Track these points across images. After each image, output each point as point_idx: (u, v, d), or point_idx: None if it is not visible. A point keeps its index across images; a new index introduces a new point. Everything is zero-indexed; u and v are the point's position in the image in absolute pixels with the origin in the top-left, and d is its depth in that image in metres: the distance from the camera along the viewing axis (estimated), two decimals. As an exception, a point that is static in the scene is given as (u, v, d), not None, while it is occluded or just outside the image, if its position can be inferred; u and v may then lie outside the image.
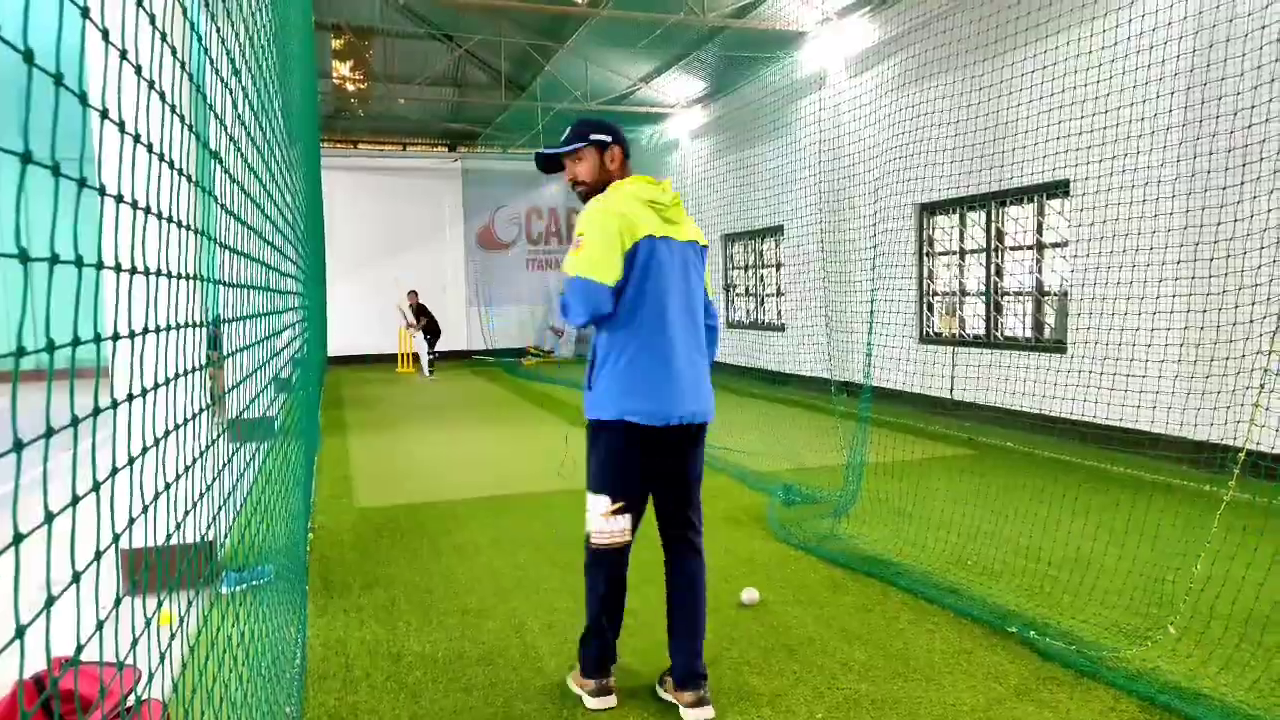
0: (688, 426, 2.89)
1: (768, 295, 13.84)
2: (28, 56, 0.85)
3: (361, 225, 18.68)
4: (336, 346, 17.35)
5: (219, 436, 1.98)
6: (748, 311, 14.49)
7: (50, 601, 0.96)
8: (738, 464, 6.91)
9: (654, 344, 2.79)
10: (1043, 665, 3.23)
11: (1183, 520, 4.95)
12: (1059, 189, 7.94)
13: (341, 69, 15.37)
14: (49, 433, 0.98)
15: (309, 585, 4.23)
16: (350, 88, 16.13)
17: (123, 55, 1.16)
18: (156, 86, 1.33)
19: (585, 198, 2.95)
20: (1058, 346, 8.03)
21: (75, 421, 1.02)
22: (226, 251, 2.01)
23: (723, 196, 14.29)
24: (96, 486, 1.08)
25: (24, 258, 0.85)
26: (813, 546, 4.67)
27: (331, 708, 3.00)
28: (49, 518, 0.94)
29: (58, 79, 0.93)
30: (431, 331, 16.20)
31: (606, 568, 2.94)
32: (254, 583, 3.50)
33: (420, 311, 16.29)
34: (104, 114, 1.07)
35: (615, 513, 2.87)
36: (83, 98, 1.02)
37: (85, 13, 1.01)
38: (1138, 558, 4.26)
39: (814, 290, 11.41)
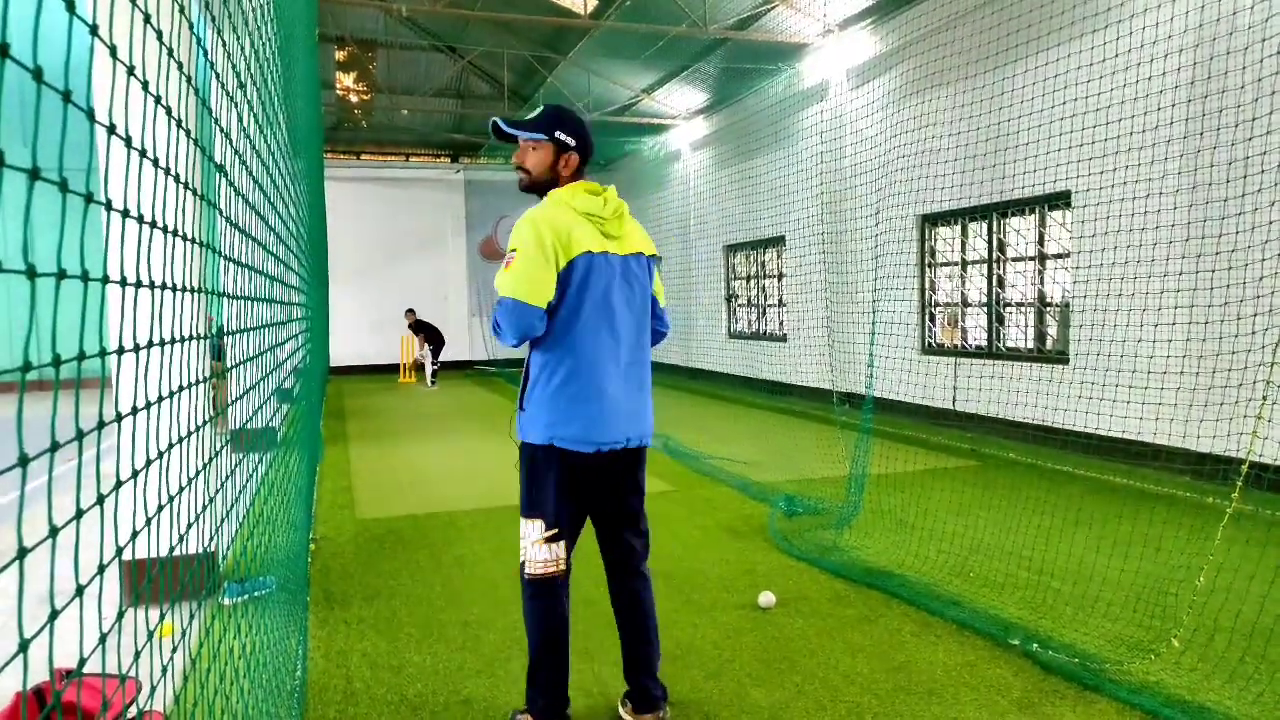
0: (622, 451, 2.75)
1: (770, 305, 13.85)
2: (37, 75, 0.86)
3: (364, 236, 18.74)
4: (338, 357, 17.38)
5: (223, 448, 1.99)
6: (750, 322, 14.51)
7: (54, 615, 0.96)
8: (739, 474, 6.90)
9: (587, 367, 2.63)
10: (1046, 679, 3.22)
11: (1185, 532, 4.94)
12: (1060, 200, 7.96)
13: (345, 80, 15.44)
14: (54, 447, 0.99)
15: (310, 597, 4.23)
16: (354, 99, 16.20)
17: (130, 71, 1.17)
18: (163, 101, 1.34)
19: (523, 188, 2.81)
20: (1060, 357, 8.03)
21: (80, 435, 1.02)
22: (231, 263, 2.02)
23: (724, 207, 14.34)
24: (100, 500, 1.08)
25: (30, 273, 0.86)
26: (815, 558, 4.66)
27: (332, 720, 2.99)
28: (53, 531, 0.95)
29: (66, 95, 0.94)
30: (434, 341, 16.28)
31: (545, 600, 2.73)
32: (255, 594, 3.50)
33: (419, 327, 16.38)
34: (111, 129, 1.08)
35: (549, 540, 2.70)
36: (90, 114, 1.03)
37: (94, 30, 1.02)
38: (1140, 570, 4.25)
39: (816, 301, 11.43)
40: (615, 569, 2.92)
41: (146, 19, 1.23)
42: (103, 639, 1.09)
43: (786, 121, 12.13)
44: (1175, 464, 6.53)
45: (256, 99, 2.37)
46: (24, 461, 0.89)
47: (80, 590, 1.02)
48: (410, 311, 16.71)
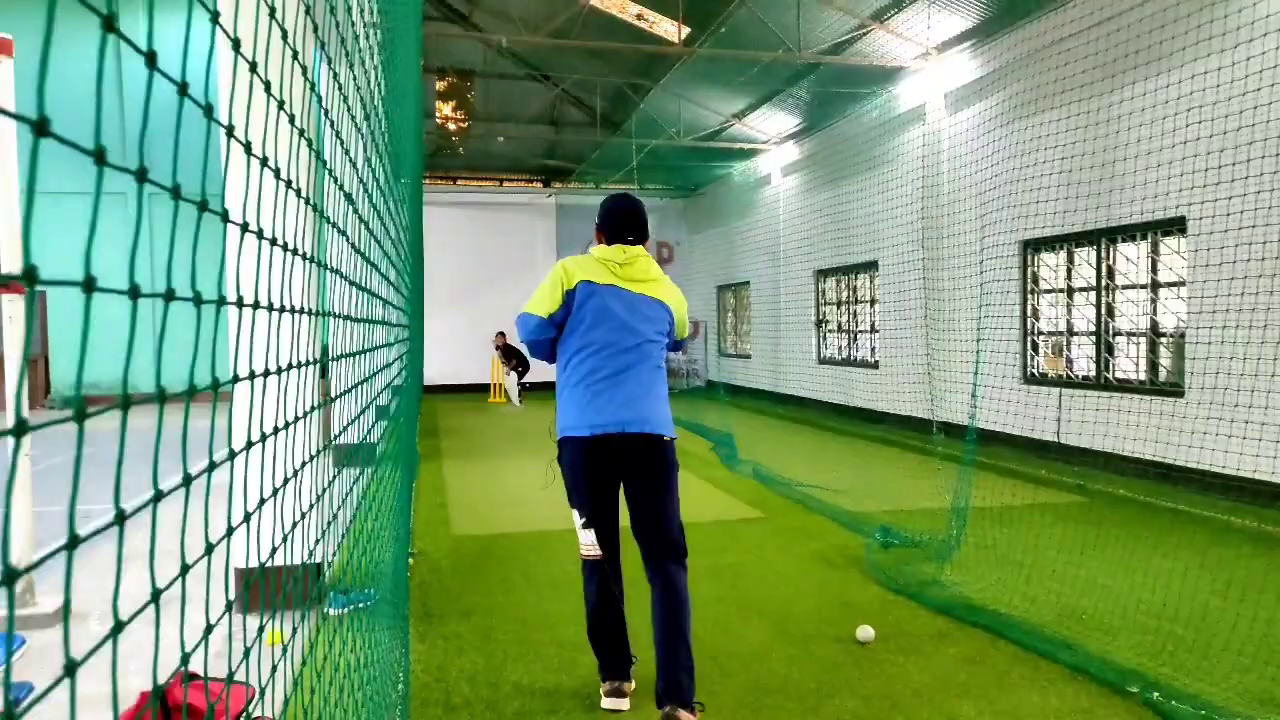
0: (620, 435, 3.14)
1: (860, 331, 13.62)
2: (208, 111, 0.90)
3: (458, 258, 19.22)
4: (431, 376, 17.80)
5: (336, 476, 2.04)
6: (840, 348, 14.29)
7: (209, 630, 1.00)
8: (832, 503, 6.77)
9: (584, 368, 3.19)
10: (1169, 731, 3.03)
11: (1321, 580, 4.61)
12: (1174, 226, 7.61)
13: (444, 109, 15.95)
14: (210, 466, 1.04)
15: (409, 610, 4.31)
16: (451, 127, 16.72)
17: (280, 105, 1.22)
18: (306, 133, 1.40)
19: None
20: (1175, 390, 7.64)
21: (232, 456, 1.07)
22: (352, 286, 2.09)
23: (815, 232, 14.19)
24: (247, 517, 1.12)
25: (169, 296, 0.90)
26: (914, 592, 4.52)
27: (432, 736, 3.03)
28: (209, 549, 0.99)
29: (229, 130, 0.99)
30: (523, 365, 16.46)
31: (589, 578, 3.28)
32: (360, 605, 3.59)
33: (509, 352, 16.53)
34: (264, 162, 1.13)
35: (584, 526, 3.24)
36: (247, 147, 1.08)
37: (253, 67, 1.07)
38: (1274, 619, 3.98)
39: (912, 327, 11.18)
40: (646, 563, 3.24)
41: (284, 34, 1.29)
42: (246, 654, 1.13)
43: (881, 146, 11.96)
44: (1305, 506, 6.11)
45: (375, 127, 2.46)
46: (186, 482, 0.92)
47: (230, 606, 1.06)
48: (500, 334, 16.93)
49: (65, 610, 0.69)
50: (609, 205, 3.48)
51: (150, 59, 0.61)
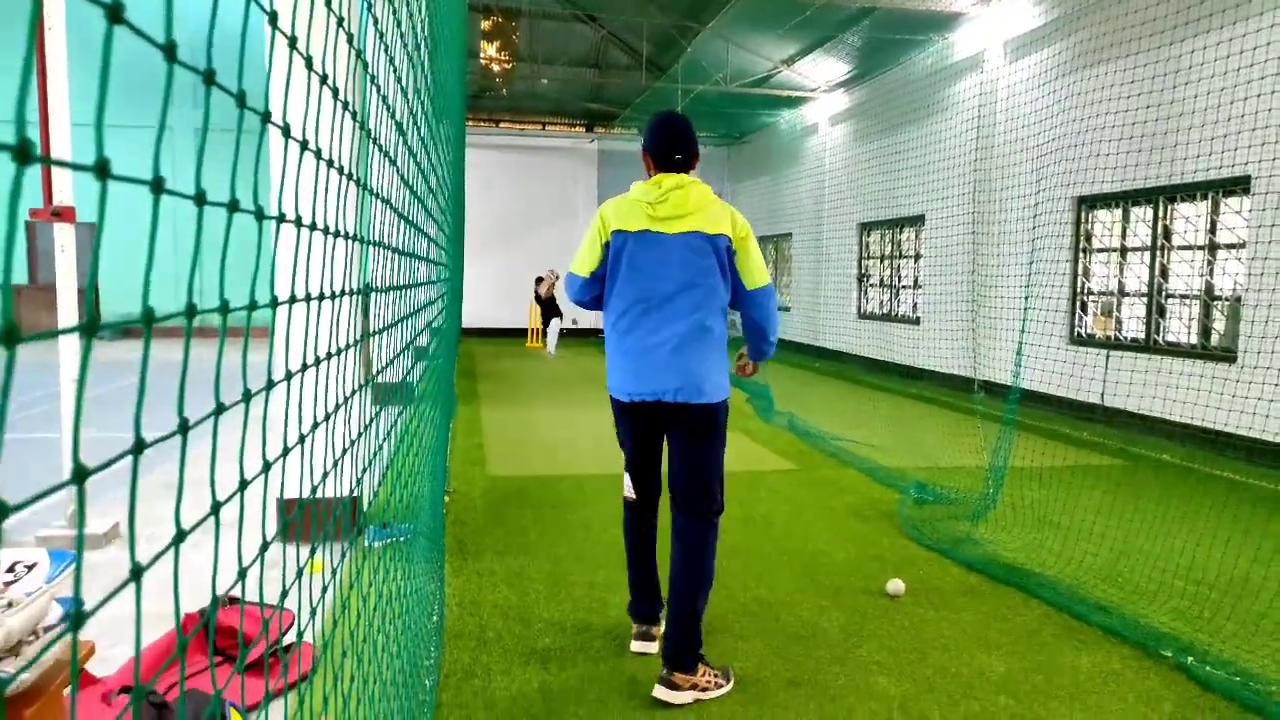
0: (658, 404, 3.07)
1: (903, 287, 13.42)
2: (273, 18, 0.89)
3: (498, 201, 19.18)
4: (469, 319, 17.91)
5: (377, 413, 2.06)
6: (881, 302, 14.11)
7: (265, 546, 1.02)
8: (866, 457, 6.75)
9: (622, 327, 3.11)
10: (1202, 695, 3.02)
11: (1368, 553, 4.52)
12: (1238, 185, 7.34)
13: (488, 49, 15.78)
14: (246, 396, 1.04)
15: (445, 546, 4.39)
16: (495, 68, 16.55)
17: (339, 23, 1.21)
18: (363, 55, 1.38)
19: None
20: (1226, 355, 7.45)
21: (289, 376, 1.08)
22: (391, 221, 2.08)
23: (861, 184, 13.93)
24: (301, 440, 1.14)
25: (233, 207, 0.90)
26: (946, 548, 4.51)
27: (466, 665, 3.11)
28: (266, 467, 1.00)
29: (291, 40, 0.97)
30: (559, 314, 16.44)
31: (626, 519, 3.34)
32: (398, 539, 3.66)
33: (550, 304, 16.40)
34: (324, 80, 1.12)
35: (626, 470, 3.30)
36: (308, 62, 1.07)
37: (313, -17, 1.05)
38: (1315, 590, 3.91)
39: (956, 283, 10.98)
40: (672, 515, 3.19)
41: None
42: (299, 575, 1.15)
43: (934, 96, 11.64)
44: (1356, 479, 5.97)
45: (420, 62, 2.43)
46: (219, 410, 0.93)
47: (284, 527, 1.07)
48: (539, 280, 16.87)
49: (131, 514, 0.70)
50: (653, 124, 3.24)
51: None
